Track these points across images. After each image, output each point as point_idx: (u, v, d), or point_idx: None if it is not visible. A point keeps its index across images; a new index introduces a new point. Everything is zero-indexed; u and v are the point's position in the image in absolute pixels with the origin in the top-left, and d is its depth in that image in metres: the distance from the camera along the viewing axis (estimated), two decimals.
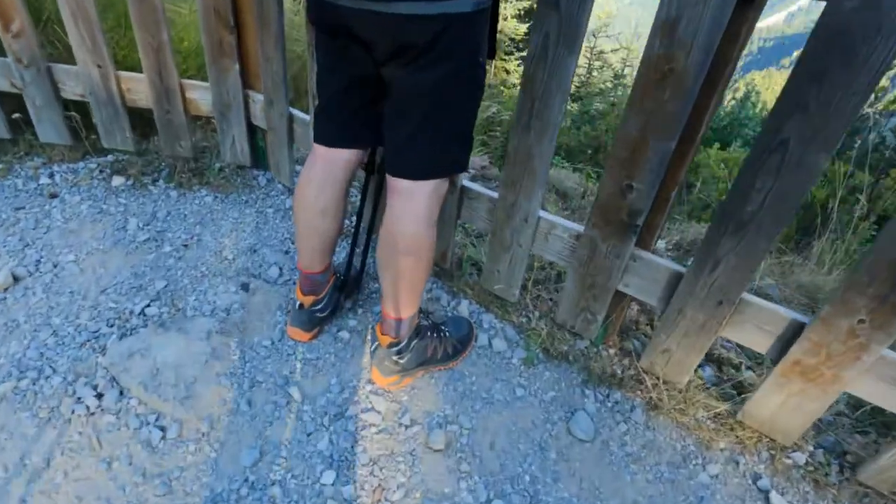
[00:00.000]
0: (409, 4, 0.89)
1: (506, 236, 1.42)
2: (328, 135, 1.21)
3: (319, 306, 1.43)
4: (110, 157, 2.14)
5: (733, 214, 1.03)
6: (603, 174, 1.17)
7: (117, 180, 2.05)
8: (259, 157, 2.14)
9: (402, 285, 1.19)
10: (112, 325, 1.47)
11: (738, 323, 1.15)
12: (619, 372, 1.40)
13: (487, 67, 1.06)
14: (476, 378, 1.43)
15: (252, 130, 2.05)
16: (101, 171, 2.09)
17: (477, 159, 2.67)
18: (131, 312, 1.52)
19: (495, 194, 1.40)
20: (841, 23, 0.80)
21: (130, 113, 2.04)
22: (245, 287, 1.64)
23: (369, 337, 1.51)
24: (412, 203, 1.10)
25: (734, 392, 1.32)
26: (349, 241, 1.84)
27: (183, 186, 2.08)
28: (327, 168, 1.22)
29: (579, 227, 1.30)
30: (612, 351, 1.45)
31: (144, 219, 1.90)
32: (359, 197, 1.99)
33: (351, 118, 1.18)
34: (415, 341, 1.34)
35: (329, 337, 1.50)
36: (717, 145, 8.95)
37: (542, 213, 1.35)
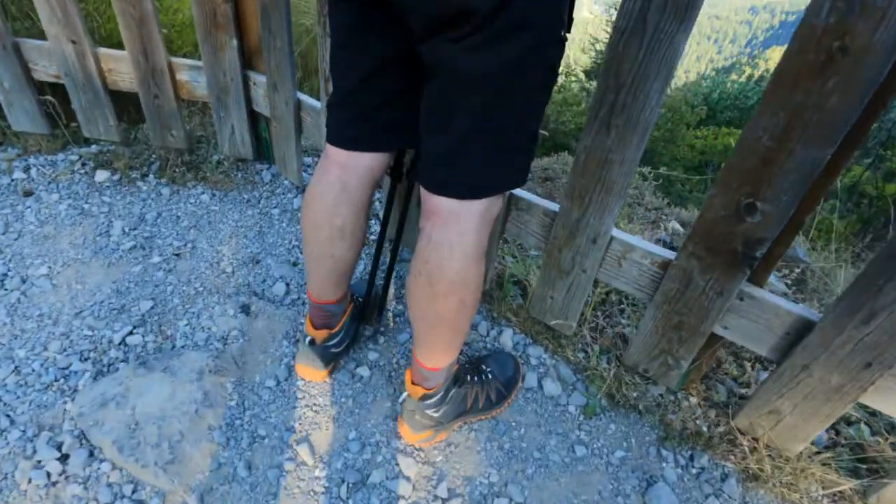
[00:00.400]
0: None
1: (565, 259, 1.14)
2: (344, 135, 0.92)
3: (334, 341, 1.17)
4: (94, 148, 1.87)
5: None
6: (711, 187, 0.88)
7: (101, 175, 1.79)
8: (263, 149, 1.86)
9: (441, 333, 0.92)
10: (86, 360, 1.22)
11: (888, 390, 0.87)
12: (704, 429, 1.13)
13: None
14: (525, 431, 1.17)
15: (254, 118, 1.77)
16: (83, 165, 1.82)
17: None
18: (110, 342, 1.27)
19: (554, 206, 1.12)
20: None
21: (115, 97, 1.77)
22: (245, 309, 1.38)
23: (393, 373, 1.26)
24: (457, 230, 0.82)
25: (860, 465, 1.05)
26: (370, 253, 1.57)
27: (176, 182, 1.81)
28: (343, 177, 0.94)
29: (668, 254, 1.01)
30: (693, 400, 1.18)
31: (131, 222, 1.64)
32: (381, 199, 1.73)
33: (375, 113, 0.89)
34: (453, 391, 1.08)
35: (346, 375, 1.25)
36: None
37: (616, 233, 1.06)
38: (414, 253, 0.88)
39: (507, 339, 1.33)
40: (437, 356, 0.97)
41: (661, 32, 0.80)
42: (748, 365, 1.28)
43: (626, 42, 0.84)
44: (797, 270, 1.82)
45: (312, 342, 1.15)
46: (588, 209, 1.04)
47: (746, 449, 1.08)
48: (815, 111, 0.72)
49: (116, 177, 1.80)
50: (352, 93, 0.88)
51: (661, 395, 1.20)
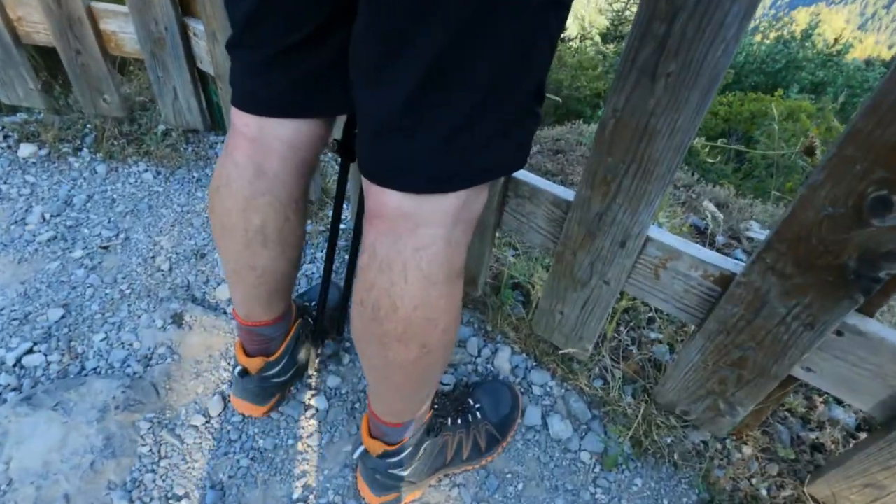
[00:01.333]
0: None
1: (581, 266, 0.84)
2: (252, 92, 0.62)
3: (275, 370, 0.90)
4: (19, 117, 1.58)
5: None
6: (809, 174, 0.56)
7: (26, 149, 1.50)
8: (216, 116, 1.56)
9: (398, 387, 0.64)
10: None
11: None
12: (763, 492, 0.85)
13: None
14: (524, 486, 0.90)
15: (203, 78, 1.46)
16: (5, 137, 1.54)
17: None
18: (2, 365, 1.01)
19: (568, 194, 0.81)
20: None
21: (40, 54, 1.47)
22: (178, 319, 1.11)
23: (358, 404, 0.98)
24: (413, 242, 0.52)
25: None
26: (321, 247, 1.28)
27: (114, 158, 1.52)
28: (257, 158, 0.64)
29: (731, 266, 0.71)
30: (748, 451, 0.89)
31: (54, 206, 1.36)
32: (331, 179, 1.38)
33: (289, 54, 0.58)
34: (426, 443, 0.80)
35: (296, 407, 0.98)
36: (779, 91, 7.90)
37: (654, 234, 0.75)
38: (356, 271, 0.59)
39: (504, 360, 1.05)
40: (396, 411, 0.69)
41: None
42: (817, 398, 0.98)
43: None
44: None
45: (244, 373, 0.88)
46: (616, 200, 0.73)
47: None
48: None
49: (44, 151, 1.52)
50: (249, 26, 0.57)
51: (703, 442, 0.91)
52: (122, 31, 1.35)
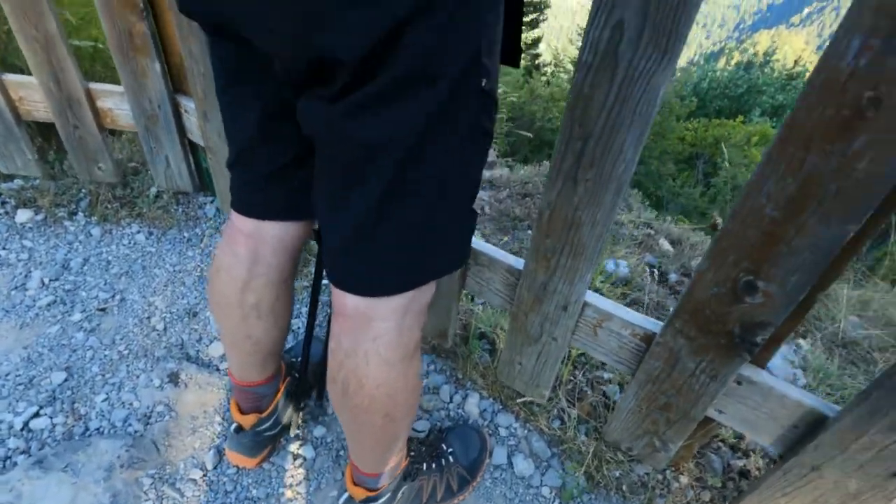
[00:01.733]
0: None
1: (533, 325, 0.97)
2: (249, 201, 0.74)
3: (267, 425, 1.00)
4: (16, 184, 1.68)
5: None
6: (702, 259, 0.71)
7: (23, 215, 1.60)
8: (205, 180, 1.67)
9: (370, 446, 0.76)
10: None
11: None
12: None
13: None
14: None
15: (192, 146, 1.58)
16: (2, 204, 1.63)
17: None
18: (10, 428, 1.09)
19: (518, 264, 0.95)
20: None
21: (37, 124, 1.57)
22: (174, 378, 1.20)
23: (343, 451, 1.09)
24: (370, 335, 0.64)
25: None
26: (305, 302, 1.39)
27: (108, 220, 1.62)
28: (254, 249, 0.77)
29: (651, 326, 0.85)
30: (684, 480, 1.02)
31: (52, 271, 1.45)
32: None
33: (283, 174, 0.71)
34: (404, 488, 0.91)
35: (285, 457, 1.08)
36: (740, 118, 8.30)
37: (590, 299, 0.89)
38: (327, 356, 0.71)
39: (473, 405, 1.17)
40: (372, 464, 0.81)
41: (636, 71, 0.63)
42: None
43: (592, 82, 0.67)
44: None
45: (240, 429, 0.98)
46: (555, 273, 0.87)
47: None
48: (836, 179, 0.55)
49: (41, 216, 1.61)
50: (247, 150, 0.70)
51: (647, 473, 1.04)
52: (118, 108, 1.47)
